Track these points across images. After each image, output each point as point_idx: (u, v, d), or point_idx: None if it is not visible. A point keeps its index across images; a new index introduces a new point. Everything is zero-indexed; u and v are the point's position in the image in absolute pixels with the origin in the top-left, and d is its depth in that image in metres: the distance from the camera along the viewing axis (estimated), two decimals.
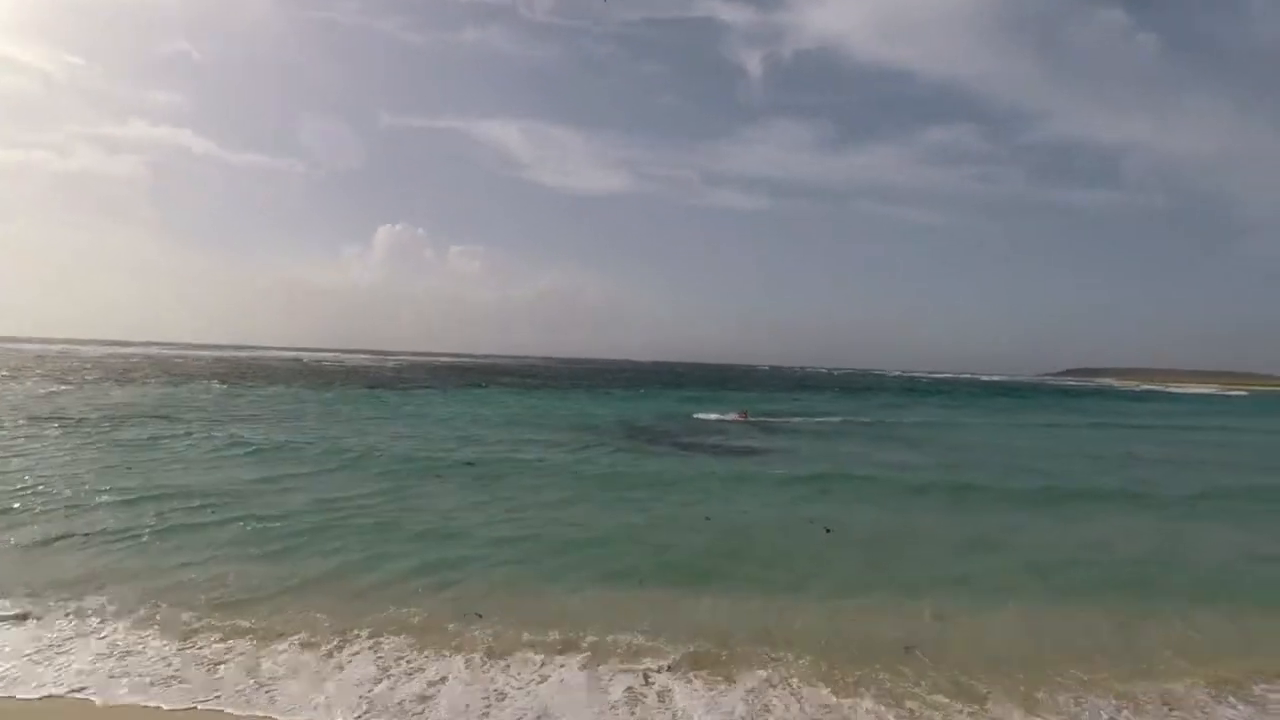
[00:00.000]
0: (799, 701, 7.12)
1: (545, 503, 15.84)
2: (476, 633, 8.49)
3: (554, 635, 8.43)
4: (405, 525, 13.35)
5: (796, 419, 41.89)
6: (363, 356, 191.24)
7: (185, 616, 8.71)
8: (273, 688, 7.10)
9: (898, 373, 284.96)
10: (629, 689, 7.26)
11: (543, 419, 35.91)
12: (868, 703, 7.12)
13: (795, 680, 7.52)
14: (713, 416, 40.35)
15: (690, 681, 7.44)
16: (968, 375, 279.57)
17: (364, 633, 8.36)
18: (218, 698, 6.87)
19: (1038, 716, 6.98)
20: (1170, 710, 7.23)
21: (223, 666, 7.46)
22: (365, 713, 6.68)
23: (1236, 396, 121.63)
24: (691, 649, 8.12)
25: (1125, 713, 7.13)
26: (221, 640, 8.07)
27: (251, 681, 7.17)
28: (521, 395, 55.90)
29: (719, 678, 7.54)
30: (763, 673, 7.69)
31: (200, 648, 7.90)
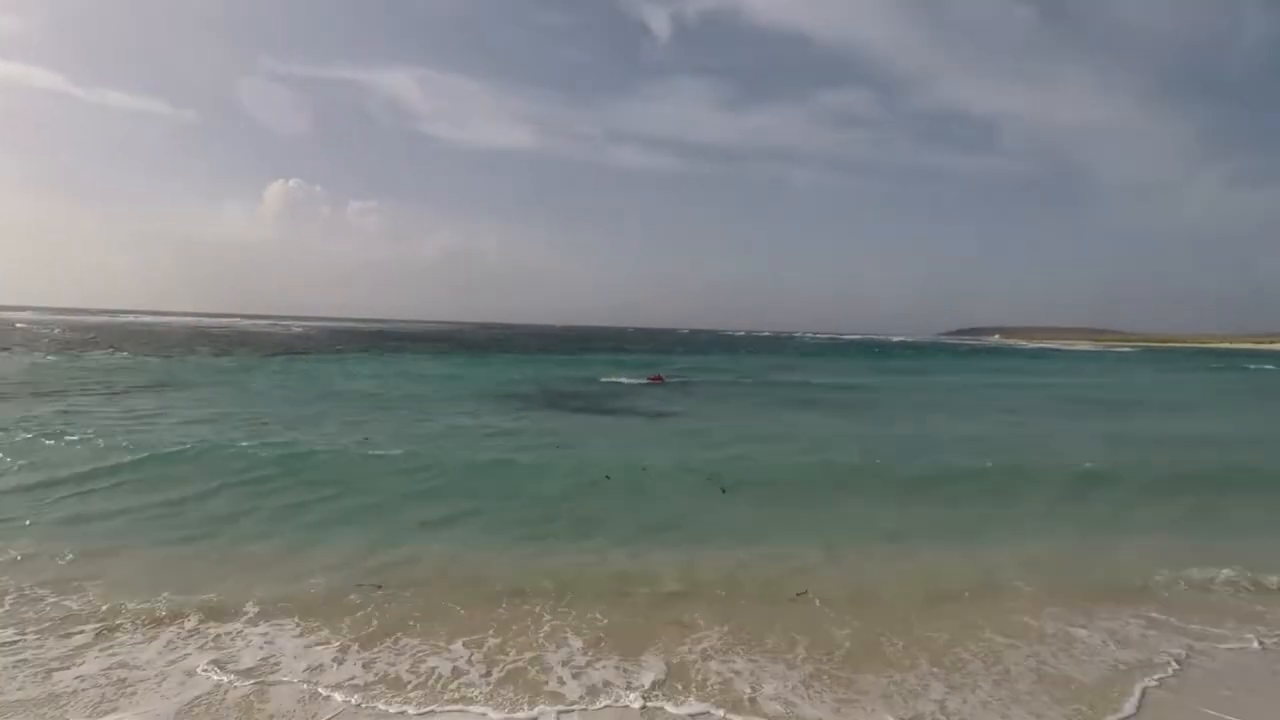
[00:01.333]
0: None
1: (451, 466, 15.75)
2: (380, 604, 8.52)
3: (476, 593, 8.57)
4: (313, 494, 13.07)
5: (706, 379, 42.91)
6: (262, 322, 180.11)
7: None
8: None
9: (810, 335, 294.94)
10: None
11: (458, 386, 35.31)
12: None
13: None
14: (624, 380, 40.78)
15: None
16: (879, 336, 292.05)
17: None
18: None
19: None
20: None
21: None
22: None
23: (1127, 352, 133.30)
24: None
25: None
26: None
27: None
28: (437, 360, 54.75)
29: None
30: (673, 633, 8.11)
31: None
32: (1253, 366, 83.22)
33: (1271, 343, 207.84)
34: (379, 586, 8.93)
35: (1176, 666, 7.35)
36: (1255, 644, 7.95)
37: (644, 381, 40.11)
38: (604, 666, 7.08)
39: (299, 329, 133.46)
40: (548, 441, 19.56)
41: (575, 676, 6.87)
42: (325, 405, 25.56)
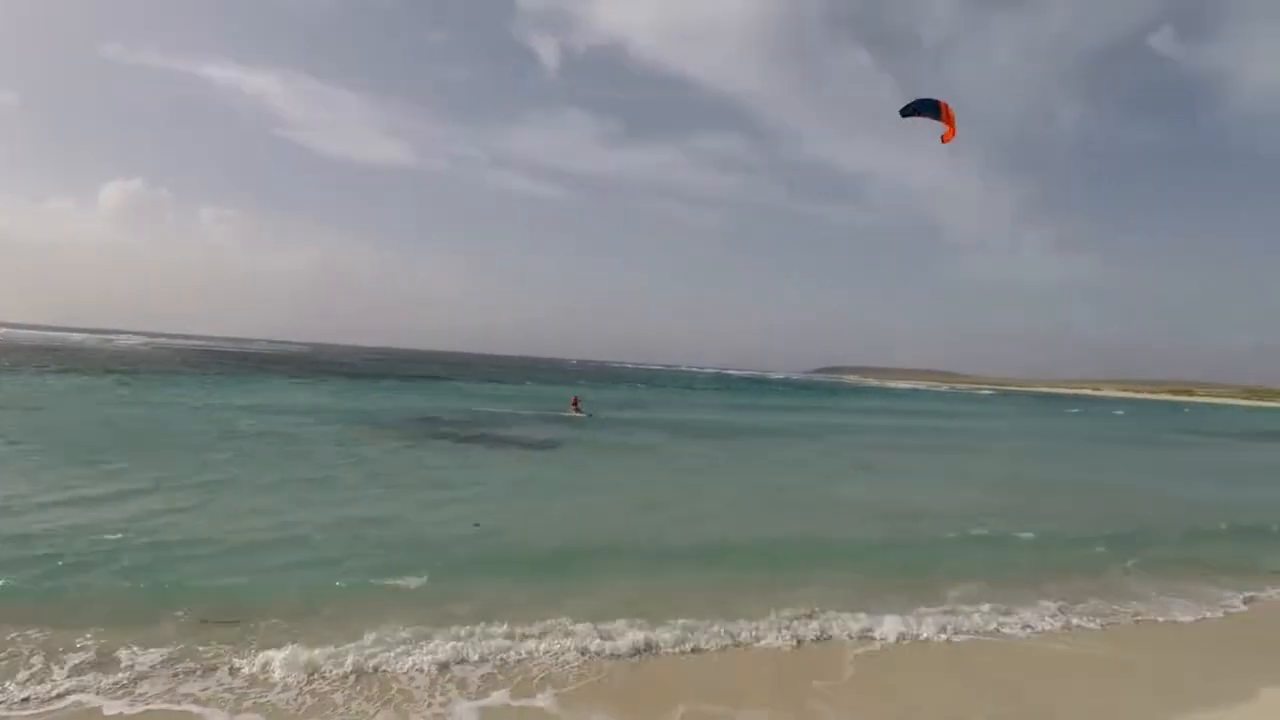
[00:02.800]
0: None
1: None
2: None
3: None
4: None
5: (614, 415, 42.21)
6: (77, 336, 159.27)
7: None
8: None
9: (697, 368, 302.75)
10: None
11: (331, 415, 32.90)
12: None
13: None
14: (505, 411, 39.80)
15: None
16: (744, 372, 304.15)
17: None
18: None
19: None
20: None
21: None
22: None
23: (989, 395, 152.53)
24: None
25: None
26: None
27: None
28: (304, 390, 50.91)
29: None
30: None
31: None
32: (1074, 409, 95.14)
33: (1080, 387, 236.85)
34: None
35: None
36: None
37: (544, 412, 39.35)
38: None
39: (137, 344, 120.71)
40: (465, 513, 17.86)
41: None
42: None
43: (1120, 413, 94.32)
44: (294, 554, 11.14)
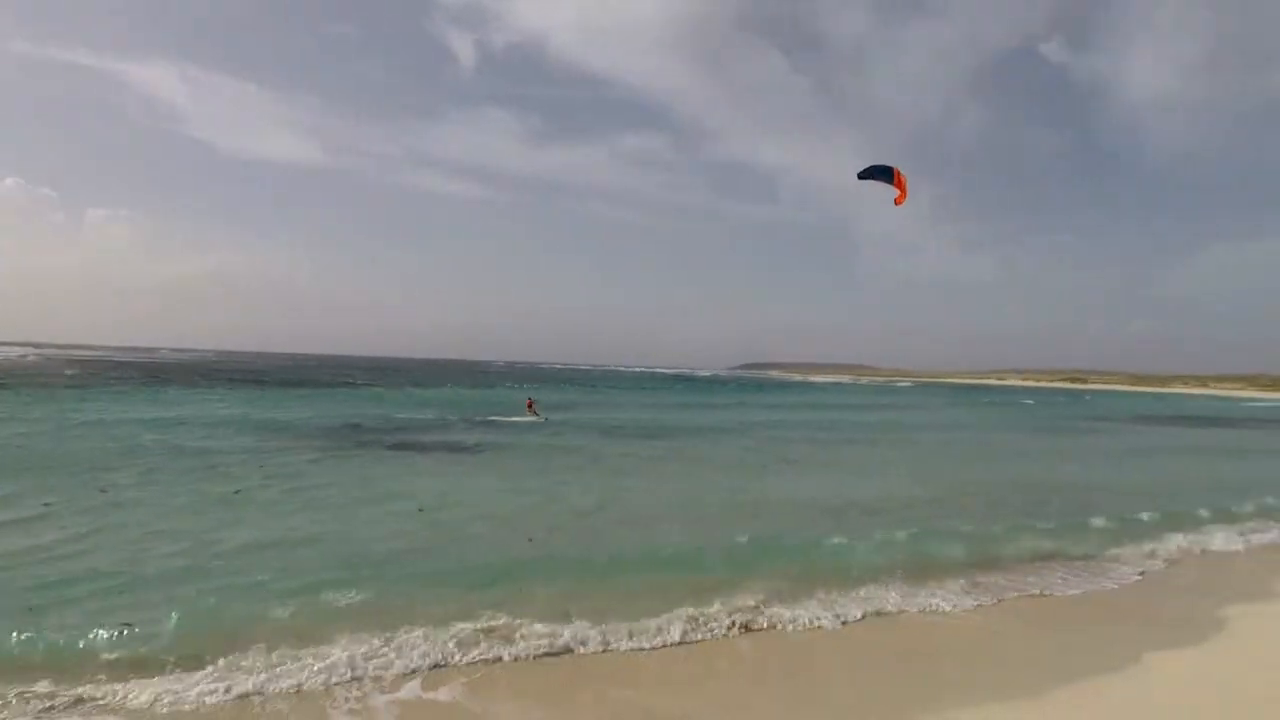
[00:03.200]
0: None
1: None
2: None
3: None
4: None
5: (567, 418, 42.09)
6: None
7: None
8: None
9: (625, 367, 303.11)
10: None
11: (245, 426, 31.29)
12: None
13: None
14: (428, 417, 38.84)
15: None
16: (671, 370, 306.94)
17: None
18: None
19: None
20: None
21: None
22: None
23: (906, 387, 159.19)
24: None
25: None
26: None
27: None
28: (214, 397, 48.19)
29: None
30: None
31: None
32: (986, 400, 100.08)
33: (987, 377, 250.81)
34: None
35: None
36: None
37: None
38: None
39: (18, 355, 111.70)
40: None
41: None
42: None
43: (1030, 402, 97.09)
44: (207, 579, 10.56)
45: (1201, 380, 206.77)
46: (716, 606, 9.97)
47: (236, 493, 16.45)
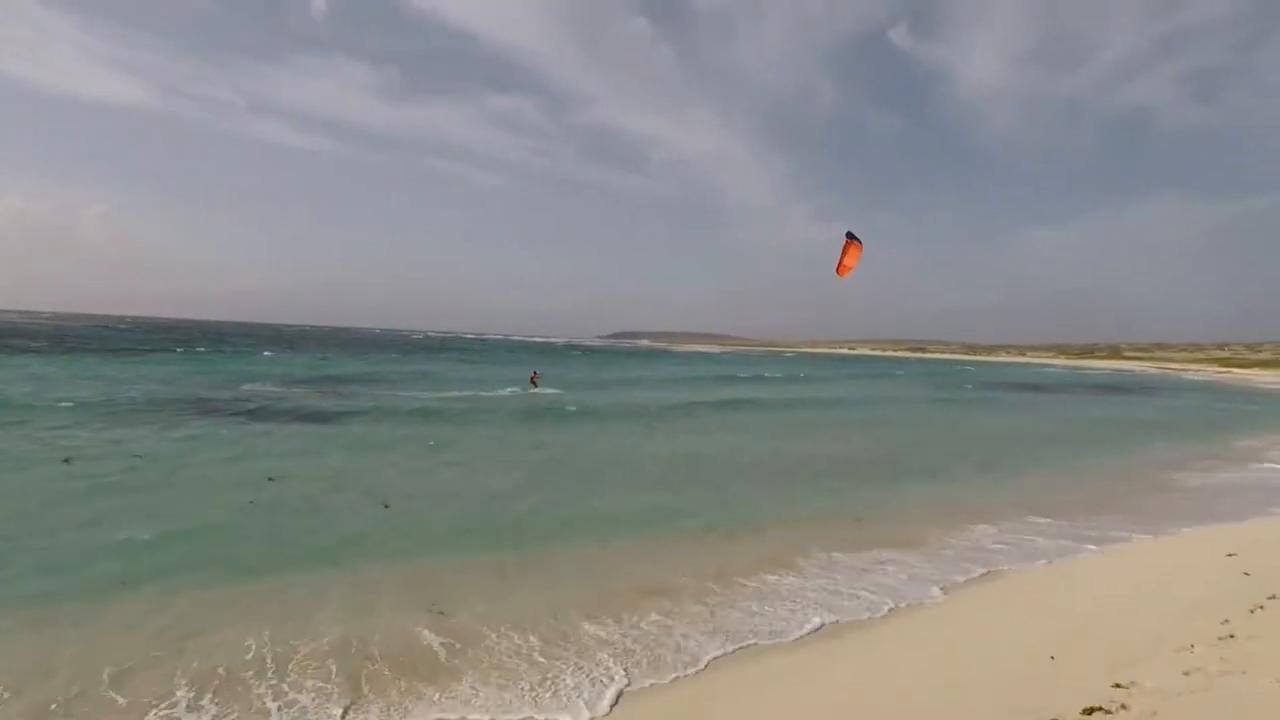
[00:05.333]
0: None
1: None
2: None
3: None
4: None
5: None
6: None
7: None
8: None
9: (472, 335, 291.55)
10: None
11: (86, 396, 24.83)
12: None
13: None
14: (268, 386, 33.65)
15: None
16: (539, 339, 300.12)
17: None
18: None
19: None
20: None
21: None
22: None
23: (790, 356, 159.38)
24: None
25: None
26: None
27: None
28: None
29: None
30: None
31: None
32: (863, 371, 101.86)
33: (838, 346, 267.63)
34: None
35: None
36: None
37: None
38: None
39: None
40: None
41: None
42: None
43: (901, 373, 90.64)
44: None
45: (1020, 349, 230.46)
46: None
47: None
